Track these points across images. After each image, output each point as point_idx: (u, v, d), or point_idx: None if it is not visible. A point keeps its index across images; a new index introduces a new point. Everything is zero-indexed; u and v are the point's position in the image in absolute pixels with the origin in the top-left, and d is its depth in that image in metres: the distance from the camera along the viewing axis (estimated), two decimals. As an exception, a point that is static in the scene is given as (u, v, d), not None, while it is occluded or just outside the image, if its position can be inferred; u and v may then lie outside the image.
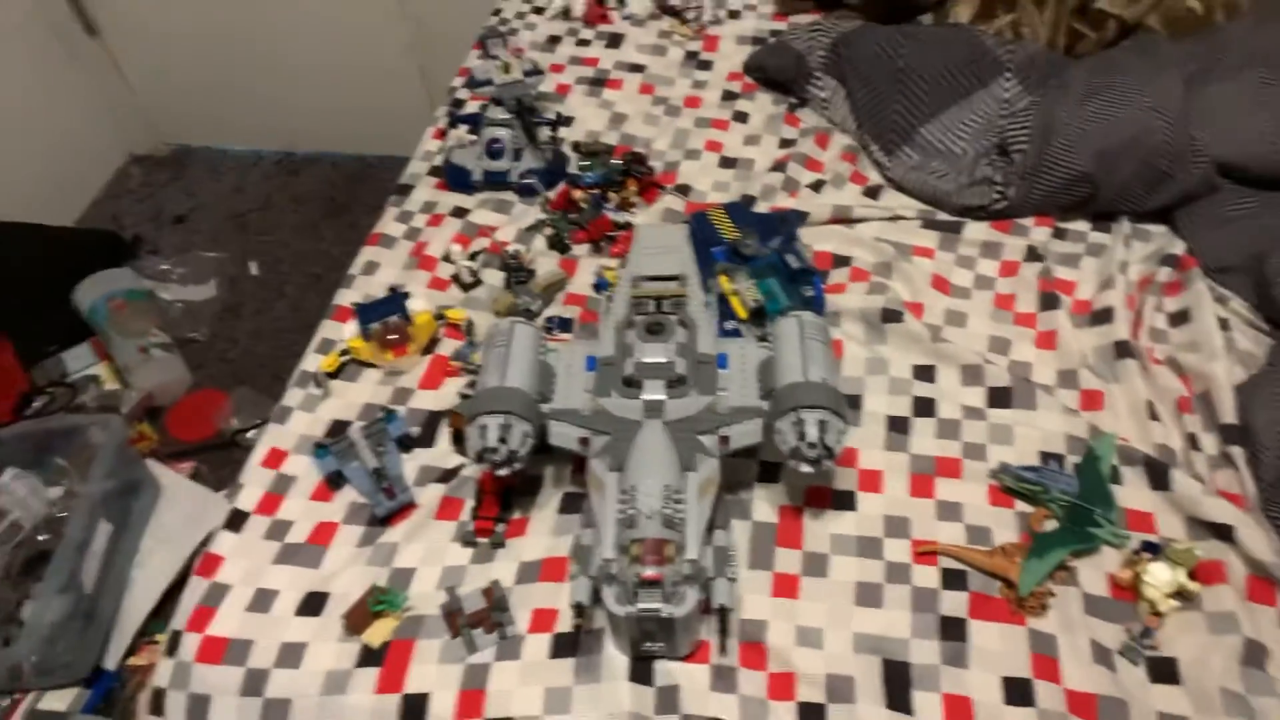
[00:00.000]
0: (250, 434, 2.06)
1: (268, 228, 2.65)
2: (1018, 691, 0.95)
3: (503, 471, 1.03)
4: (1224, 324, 1.22)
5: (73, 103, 2.62)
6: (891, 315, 1.27)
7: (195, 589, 1.10)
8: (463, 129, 1.57)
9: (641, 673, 0.98)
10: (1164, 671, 0.97)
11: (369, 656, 1.02)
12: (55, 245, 2.34)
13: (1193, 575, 1.00)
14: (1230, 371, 1.16)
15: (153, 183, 2.81)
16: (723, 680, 0.98)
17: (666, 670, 0.98)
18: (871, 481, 1.14)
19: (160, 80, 2.71)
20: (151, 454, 1.98)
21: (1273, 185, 1.32)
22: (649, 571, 0.91)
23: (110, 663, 1.63)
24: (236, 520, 1.16)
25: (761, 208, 1.44)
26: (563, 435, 1.06)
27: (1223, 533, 1.04)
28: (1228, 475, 1.10)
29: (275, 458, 1.22)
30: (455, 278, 1.40)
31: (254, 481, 1.20)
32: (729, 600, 0.95)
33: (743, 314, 1.24)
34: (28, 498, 1.65)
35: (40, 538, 1.63)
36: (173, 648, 1.06)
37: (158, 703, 1.04)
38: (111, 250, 2.44)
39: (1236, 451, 1.09)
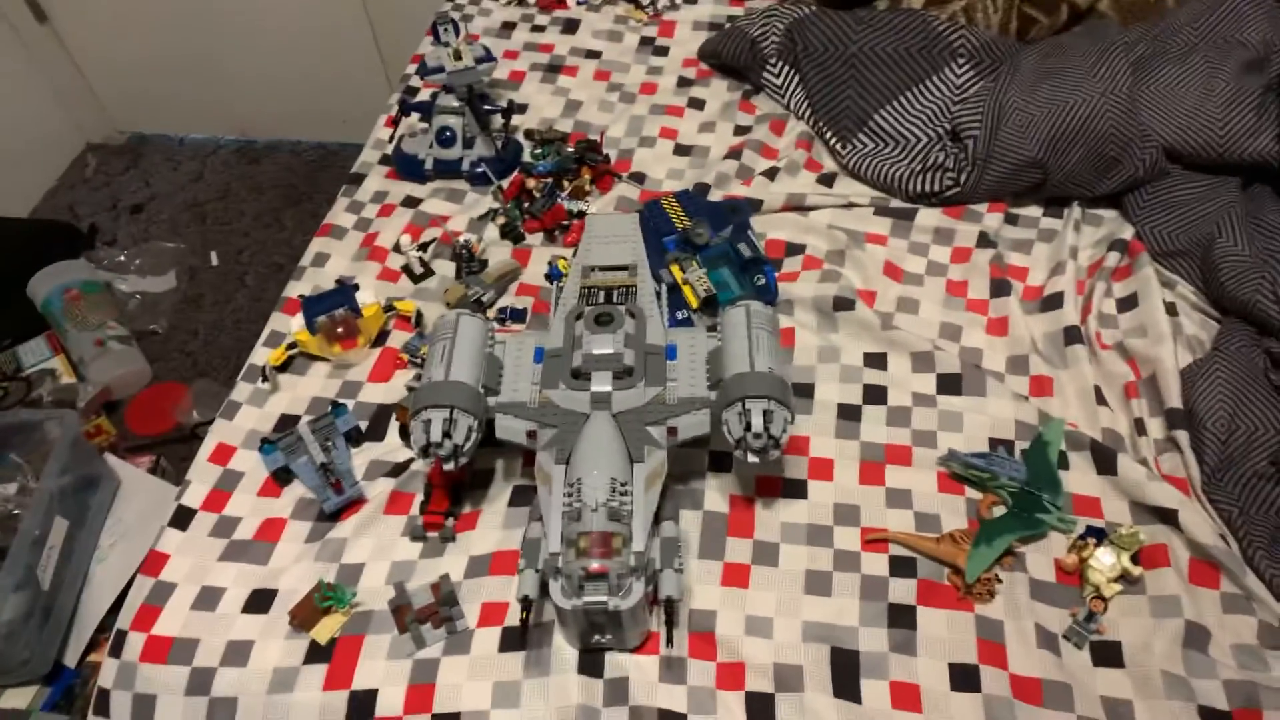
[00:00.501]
0: (211, 426, 2.02)
1: (228, 217, 2.61)
2: (964, 677, 0.96)
3: (449, 466, 1.02)
4: (1171, 308, 1.23)
5: (24, 91, 2.56)
6: (844, 303, 1.27)
7: (140, 587, 1.09)
8: (414, 117, 1.55)
9: (590, 665, 0.98)
10: (1107, 655, 0.98)
11: (316, 653, 1.02)
12: (8, 236, 2.29)
13: (1136, 559, 1.02)
14: (1176, 356, 1.17)
15: (109, 172, 2.75)
16: (672, 671, 0.98)
17: (616, 662, 0.98)
18: (822, 470, 1.14)
19: (114, 67, 2.65)
20: (110, 448, 1.95)
21: (1218, 170, 1.32)
22: (594, 564, 0.91)
23: (70, 659, 1.61)
24: (183, 517, 1.15)
25: (716, 195, 1.43)
26: (509, 429, 1.05)
27: (1166, 516, 1.05)
28: (1173, 459, 1.11)
29: (222, 453, 1.21)
30: (406, 268, 1.39)
31: (200, 478, 1.18)
32: (676, 592, 0.94)
33: (694, 303, 1.23)
34: (-20, 495, 1.62)
35: (-6, 535, 1.60)
36: (117, 647, 1.05)
37: (102, 703, 1.03)
38: (67, 241, 2.39)
39: (1181, 435, 1.10)
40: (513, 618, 1.02)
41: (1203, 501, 1.06)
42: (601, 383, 1.04)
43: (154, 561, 1.11)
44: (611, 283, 1.16)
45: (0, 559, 1.54)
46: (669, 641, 0.96)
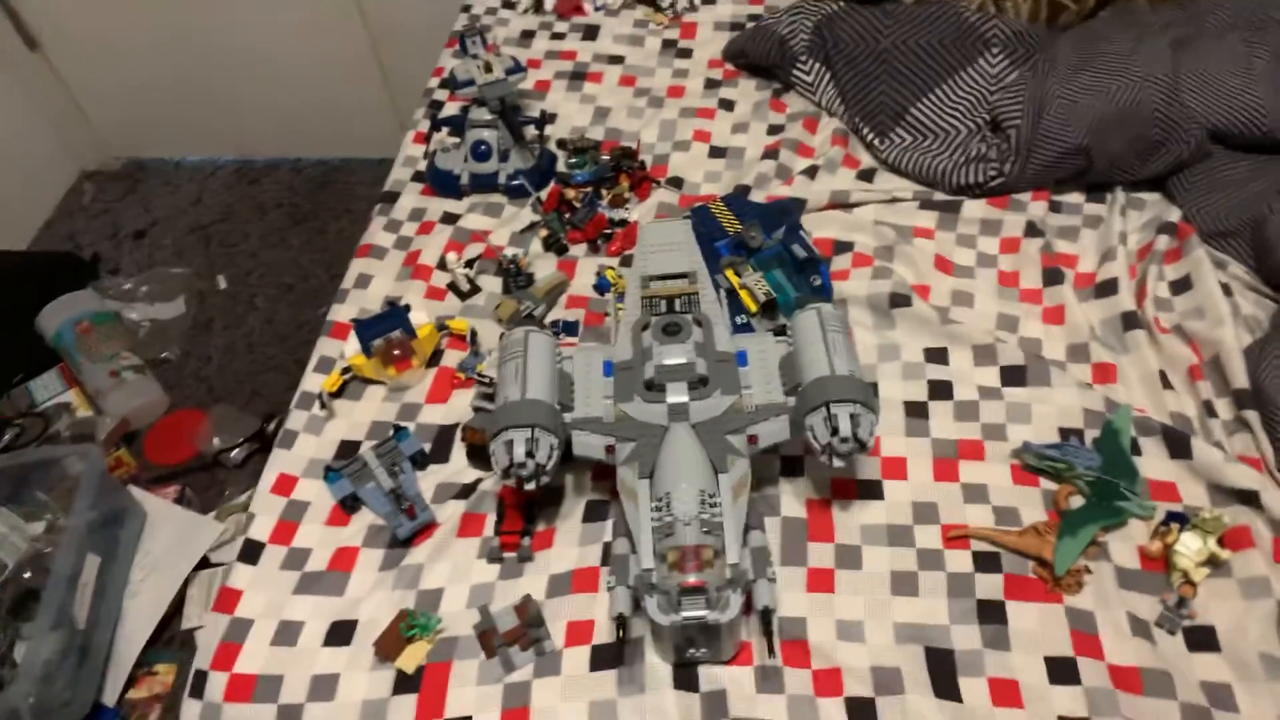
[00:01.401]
0: (234, 453, 2.00)
1: (232, 239, 2.57)
2: (1061, 670, 0.96)
3: (530, 486, 1.00)
4: (1225, 289, 1.24)
5: (16, 120, 2.51)
6: (899, 299, 1.26)
7: (215, 625, 1.07)
8: (444, 132, 1.53)
9: (686, 679, 0.97)
10: (1202, 640, 0.98)
11: (405, 683, 1.00)
12: (11, 270, 2.25)
13: (1221, 542, 1.02)
14: (1238, 336, 1.17)
15: (107, 199, 2.71)
16: (768, 681, 0.97)
17: (711, 675, 0.97)
18: (895, 469, 1.13)
19: (106, 92, 2.60)
20: (132, 480, 1.92)
21: (1262, 149, 1.33)
22: (691, 579, 0.90)
23: (109, 698, 1.59)
24: (251, 551, 1.12)
25: (757, 196, 1.43)
26: (587, 445, 1.04)
27: (1247, 498, 1.05)
28: (1244, 439, 1.11)
29: (284, 484, 1.18)
30: (452, 286, 1.37)
31: (265, 510, 1.16)
32: (772, 601, 0.94)
33: (753, 308, 1.23)
34: (9, 535, 1.59)
35: (25, 575, 1.58)
36: (199, 688, 1.03)
37: (187, 747, 1.01)
38: (71, 272, 2.35)
39: (1251, 416, 1.11)
40: (600, 635, 1.01)
41: (1278, 480, 1.06)
42: (677, 393, 1.03)
43: (227, 598, 1.09)
44: (673, 291, 1.15)
45: (33, 599, 1.52)
46: (772, 652, 0.95)
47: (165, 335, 2.33)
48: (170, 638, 1.73)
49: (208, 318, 2.38)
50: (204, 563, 1.77)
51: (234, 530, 1.82)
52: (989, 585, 1.03)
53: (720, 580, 0.91)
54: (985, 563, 1.05)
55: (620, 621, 0.93)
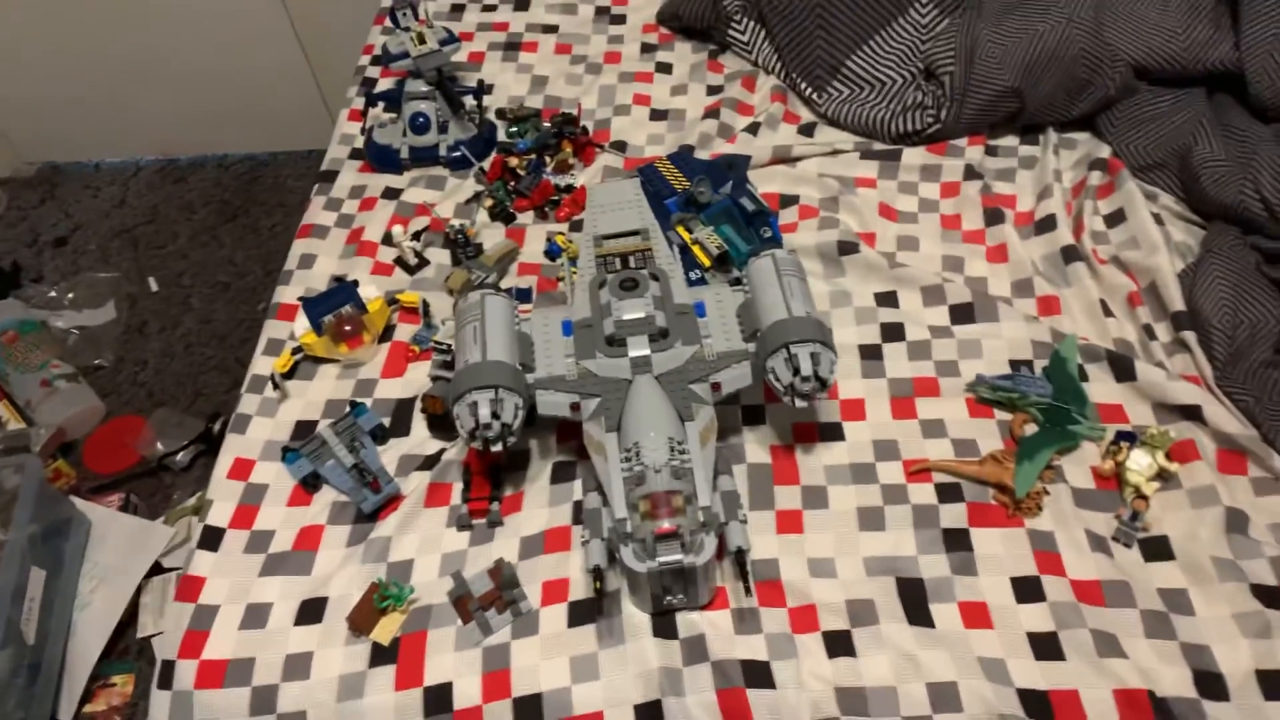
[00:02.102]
0: (179, 456, 1.95)
1: (160, 240, 2.49)
2: (1027, 589, 0.99)
3: (497, 447, 1.00)
4: (1157, 219, 1.28)
5: (-81, 129, 2.40)
6: (847, 247, 1.28)
7: (180, 614, 1.04)
8: (380, 107, 1.50)
9: (665, 627, 0.98)
10: (1157, 550, 1.02)
11: (381, 655, 0.99)
12: (-72, 285, 2.16)
13: (1169, 456, 1.06)
14: (1171, 263, 1.22)
15: (22, 206, 2.60)
16: (746, 622, 0.98)
17: (689, 621, 0.98)
18: (855, 410, 1.15)
19: (14, 97, 2.50)
20: (72, 491, 1.86)
21: (1183, 82, 1.38)
22: (665, 524, 0.91)
23: (66, 713, 1.55)
24: (211, 538, 1.10)
25: (702, 155, 1.43)
26: (552, 403, 1.03)
27: (1190, 413, 1.09)
28: (1184, 359, 1.15)
29: (241, 468, 1.16)
30: (399, 260, 1.35)
31: (223, 495, 1.13)
32: (745, 542, 0.95)
33: (706, 262, 1.23)
34: (-52, 553, 1.53)
35: (-33, 594, 1.52)
36: (166, 678, 1.00)
37: (160, 738, 0.98)
38: (-9, 283, 2.26)
39: (1189, 336, 1.15)
40: (576, 592, 1.01)
41: (1218, 395, 1.11)
42: (639, 347, 1.04)
43: (189, 586, 1.06)
44: (626, 249, 1.15)
45: (-22, 618, 1.46)
46: (749, 591, 0.96)
47: (97, 342, 2.25)
48: (125, 648, 1.68)
49: (141, 321, 2.31)
50: (156, 568, 1.72)
51: (185, 533, 1.78)
52: (953, 514, 1.05)
53: (693, 524, 0.92)
54: (947, 493, 1.07)
55: (597, 574, 0.94)
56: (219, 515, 1.11)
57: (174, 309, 2.33)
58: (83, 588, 1.72)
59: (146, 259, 2.45)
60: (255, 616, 1.03)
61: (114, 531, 1.80)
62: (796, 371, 0.99)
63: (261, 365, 1.25)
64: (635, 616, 0.99)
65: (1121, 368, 1.14)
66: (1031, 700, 0.92)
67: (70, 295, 2.31)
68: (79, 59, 2.39)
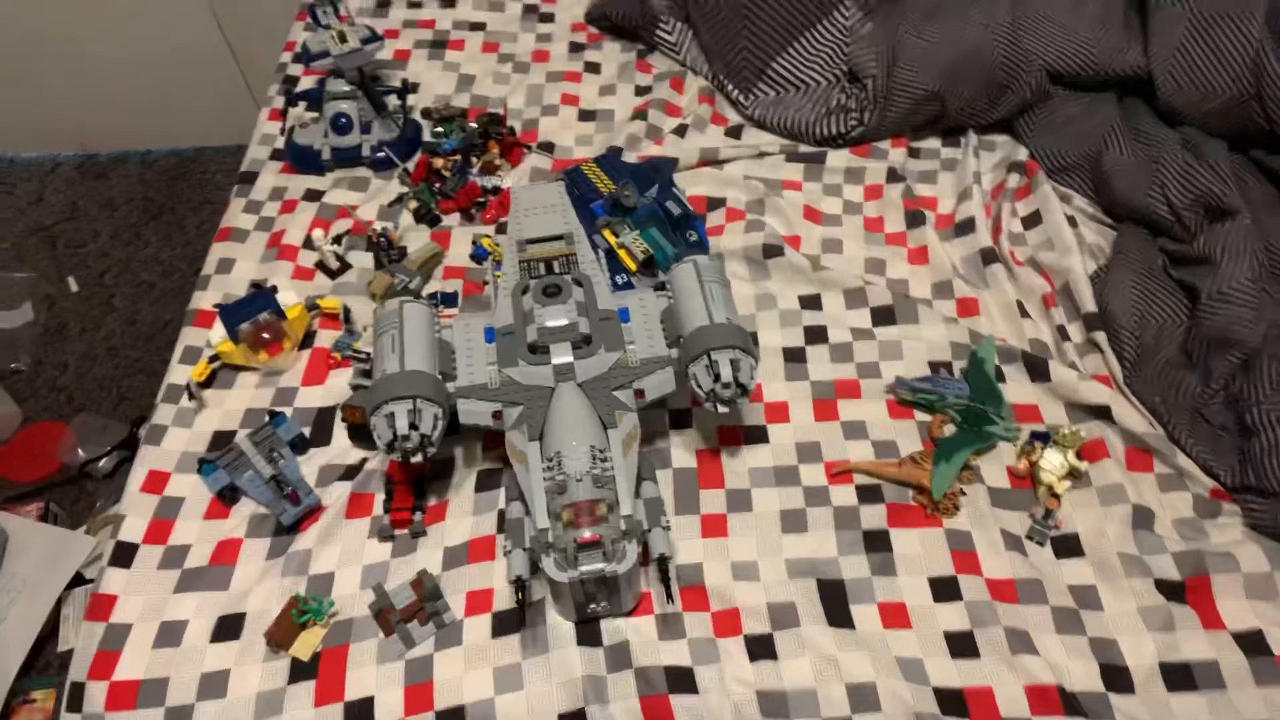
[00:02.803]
0: (102, 462, 1.90)
1: (80, 239, 2.41)
2: (944, 589, 1.01)
3: (416, 459, 0.98)
4: (1071, 221, 1.31)
5: None
6: (772, 250, 1.29)
7: (90, 634, 1.01)
8: (301, 107, 1.47)
9: (588, 636, 0.98)
10: (1068, 547, 1.05)
11: (301, 670, 0.97)
12: None
13: (1080, 455, 1.09)
14: (1084, 264, 1.25)
15: (-68, 203, 2.50)
16: (669, 628, 0.99)
17: (613, 628, 0.99)
18: (778, 413, 1.16)
19: (-80, 88, 2.40)
20: (-13, 500, 1.80)
21: (1096, 86, 1.41)
22: (586, 533, 0.90)
23: (-17, 732, 1.50)
24: (124, 554, 1.07)
25: (630, 157, 1.43)
26: (473, 413, 1.02)
27: (1100, 412, 1.13)
28: (1095, 359, 1.19)
29: (155, 481, 1.13)
30: (320, 264, 1.32)
31: (136, 510, 1.10)
32: (668, 548, 0.95)
33: (633, 266, 1.23)
34: None
35: (-126, 611, 1.46)
36: (76, 701, 0.97)
37: (70, 763, 0.95)
38: (-103, 284, 2.17)
39: (1099, 336, 1.18)
40: (500, 602, 1.01)
41: (1127, 394, 1.14)
42: (562, 354, 1.03)
43: (99, 605, 1.03)
44: (550, 254, 1.14)
45: (-112, 637, 1.41)
46: (670, 598, 0.96)
47: (13, 344, 2.18)
48: (46, 663, 1.63)
49: (60, 323, 2.24)
50: (78, 579, 1.67)
51: (108, 542, 1.73)
52: (873, 515, 1.07)
53: (615, 533, 0.92)
54: (868, 494, 1.09)
55: (519, 584, 0.93)
56: (132, 530, 1.08)
57: (95, 310, 2.26)
58: (0, 601, 1.66)
59: (65, 258, 2.37)
60: (170, 634, 1.01)
61: (33, 542, 1.74)
62: (717, 378, 0.99)
63: (178, 374, 1.21)
64: (559, 625, 0.99)
65: (1036, 369, 1.17)
66: (947, 698, 0.94)
67: (-17, 296, 2.23)
68: (-8, 51, 2.30)
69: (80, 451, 1.94)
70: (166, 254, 2.35)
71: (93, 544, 1.71)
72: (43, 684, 1.60)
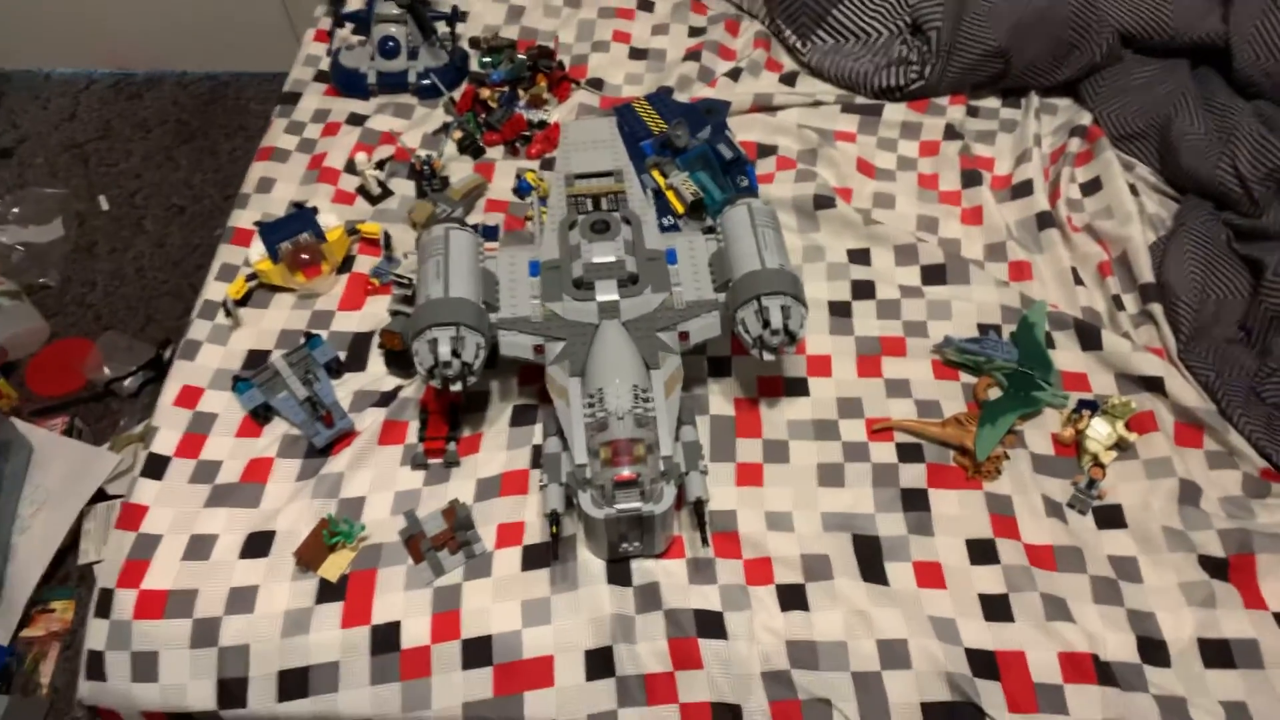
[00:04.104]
0: (127, 382, 1.89)
1: (113, 158, 2.39)
2: (981, 551, 1.00)
3: (456, 387, 0.97)
4: (1132, 189, 1.28)
5: None
6: (823, 201, 1.26)
7: (120, 542, 1.01)
8: (348, 29, 1.44)
9: (619, 574, 0.97)
10: (1110, 518, 1.03)
11: (328, 591, 0.97)
12: None
13: (1128, 426, 1.06)
14: (1144, 234, 1.21)
15: (-35, 113, 2.49)
16: (700, 572, 0.97)
17: (644, 569, 0.98)
18: (821, 366, 1.14)
19: (-42, -5, 2.37)
20: (13, 413, 1.80)
21: (1168, 53, 1.37)
22: (625, 472, 0.89)
23: (3, 637, 1.52)
24: (155, 466, 1.06)
25: (681, 98, 1.39)
26: (515, 344, 1.01)
27: (1152, 384, 1.10)
28: (1149, 331, 1.16)
29: (189, 395, 1.12)
30: (362, 189, 1.30)
31: (169, 423, 1.09)
32: (704, 492, 0.94)
33: (680, 208, 1.20)
34: (-118, 472, 1.48)
35: (-99, 514, 1.47)
36: (104, 607, 0.97)
37: (96, 666, 0.96)
38: (-71, 192, 2.16)
39: (1155, 308, 1.15)
40: (531, 536, 1.00)
41: (1180, 368, 1.11)
42: (607, 291, 1.01)
43: (130, 514, 1.03)
44: (599, 190, 1.12)
45: (-88, 539, 1.42)
46: (705, 541, 0.95)
47: (43, 260, 2.17)
48: (66, 574, 1.64)
49: (90, 241, 2.23)
50: (100, 495, 1.68)
51: (131, 461, 1.73)
52: (912, 474, 1.05)
53: (654, 473, 0.91)
54: (908, 453, 1.07)
55: (554, 519, 0.92)
56: (164, 443, 1.08)
57: (125, 230, 2.25)
58: (23, 511, 1.68)
59: (97, 176, 2.35)
60: (199, 547, 1.00)
61: (57, 456, 1.75)
62: (766, 324, 0.97)
63: (214, 291, 1.20)
64: (590, 563, 0.98)
65: (1088, 336, 1.14)
66: (979, 660, 0.93)
67: (15, 210, 2.22)
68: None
69: (106, 369, 1.93)
70: (198, 178, 2.33)
71: (116, 461, 1.72)
72: (62, 594, 1.62)
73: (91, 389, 1.91)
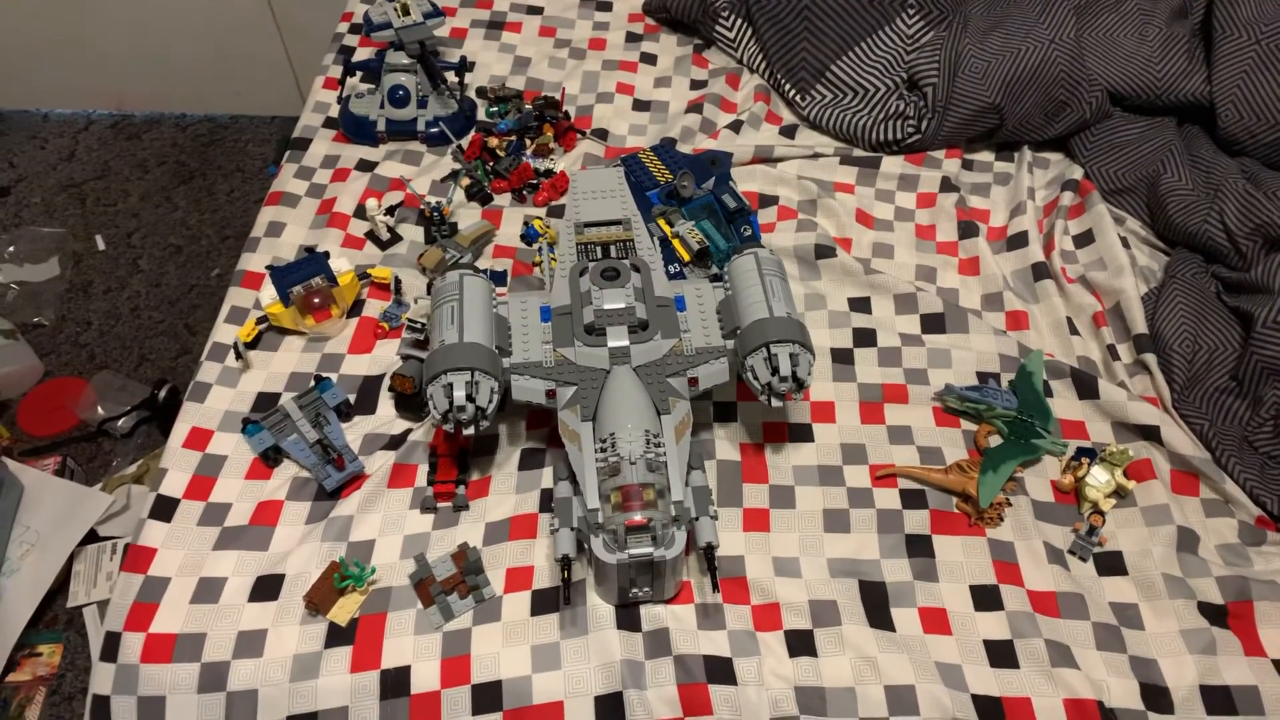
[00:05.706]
0: (121, 422, 1.89)
1: (110, 198, 2.41)
2: (986, 597, 1.01)
3: (469, 431, 0.98)
4: (1124, 242, 1.31)
5: None
6: (824, 251, 1.29)
7: (127, 585, 1.00)
8: (358, 77, 1.47)
9: (628, 620, 0.97)
10: (1111, 564, 1.05)
11: (338, 635, 0.97)
12: None
13: (1126, 474, 1.08)
14: (1136, 286, 1.25)
15: (-37, 153, 2.49)
16: (709, 618, 0.98)
17: (652, 614, 0.98)
18: (825, 413, 1.16)
19: (-40, 36, 2.39)
20: (4, 452, 1.79)
21: (1156, 111, 1.42)
22: (636, 517, 0.90)
23: (-10, 681, 1.49)
24: (164, 508, 1.06)
25: (684, 149, 1.43)
26: (528, 389, 1.02)
27: (1149, 433, 1.12)
28: (1144, 380, 1.19)
29: (198, 438, 1.12)
30: (371, 234, 1.32)
31: (178, 465, 1.09)
32: (715, 538, 0.95)
33: (686, 256, 1.23)
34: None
35: (-111, 555, 1.45)
36: (111, 651, 0.96)
37: (101, 712, 0.94)
38: (-73, 231, 2.16)
39: (1149, 358, 1.18)
40: (541, 580, 1.00)
41: (1175, 417, 1.14)
42: (618, 337, 1.03)
43: (138, 557, 1.02)
44: (608, 238, 1.14)
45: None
46: (715, 587, 0.96)
47: (38, 299, 2.17)
48: (54, 617, 1.62)
49: (86, 280, 2.23)
50: (92, 536, 1.67)
51: (124, 502, 1.72)
52: (916, 520, 1.07)
53: (665, 518, 0.92)
54: (912, 499, 1.08)
55: (565, 563, 0.93)
56: (173, 485, 1.08)
57: (121, 270, 2.26)
58: (12, 553, 1.66)
59: (94, 216, 2.36)
60: (208, 590, 1.00)
61: (48, 496, 1.73)
62: (775, 371, 0.99)
63: (224, 333, 1.21)
64: (599, 607, 0.98)
65: (1084, 385, 1.17)
66: (985, 706, 0.93)
67: (11, 248, 2.22)
68: (34, 2, 2.29)
69: (99, 409, 1.93)
70: (195, 219, 2.35)
71: (108, 502, 1.71)
72: (50, 638, 1.59)
73: (84, 429, 1.90)
